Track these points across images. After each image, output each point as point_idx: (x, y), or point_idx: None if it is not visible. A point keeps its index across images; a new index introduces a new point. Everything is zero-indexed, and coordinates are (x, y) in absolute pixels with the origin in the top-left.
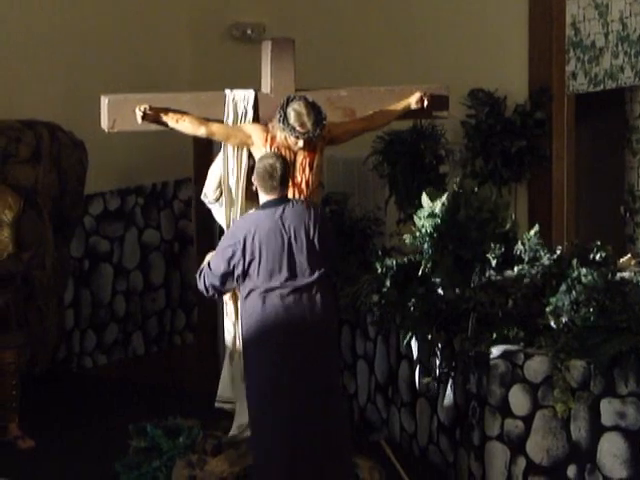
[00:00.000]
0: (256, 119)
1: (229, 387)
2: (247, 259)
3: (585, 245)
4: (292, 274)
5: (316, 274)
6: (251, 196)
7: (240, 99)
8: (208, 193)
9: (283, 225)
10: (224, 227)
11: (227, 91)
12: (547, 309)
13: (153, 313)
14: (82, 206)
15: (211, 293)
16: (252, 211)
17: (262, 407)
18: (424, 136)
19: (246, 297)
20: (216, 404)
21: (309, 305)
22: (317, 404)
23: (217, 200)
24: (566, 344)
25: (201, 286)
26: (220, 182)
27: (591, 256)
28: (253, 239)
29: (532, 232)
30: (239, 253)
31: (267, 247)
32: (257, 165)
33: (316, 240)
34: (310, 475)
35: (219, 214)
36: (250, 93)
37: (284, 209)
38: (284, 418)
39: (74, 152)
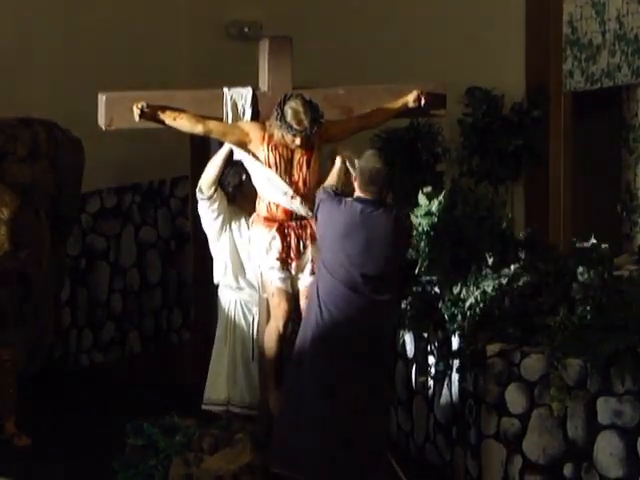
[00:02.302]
0: (254, 117)
1: (222, 388)
2: (325, 245)
3: (582, 243)
4: (363, 274)
5: (384, 281)
6: (240, 203)
7: (238, 97)
8: (204, 188)
9: (368, 225)
10: (205, 227)
11: (225, 89)
12: (544, 307)
13: (150, 311)
14: (79, 204)
15: None
16: (349, 200)
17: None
18: (421, 134)
19: (319, 281)
20: (203, 406)
21: (370, 308)
22: (361, 405)
23: (210, 198)
24: (563, 342)
25: None
26: (217, 178)
27: (588, 254)
28: (335, 227)
29: (530, 229)
30: (325, 226)
31: (346, 240)
32: (362, 164)
33: (392, 248)
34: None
35: (205, 211)
36: (248, 91)
37: (374, 210)
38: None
39: (71, 150)
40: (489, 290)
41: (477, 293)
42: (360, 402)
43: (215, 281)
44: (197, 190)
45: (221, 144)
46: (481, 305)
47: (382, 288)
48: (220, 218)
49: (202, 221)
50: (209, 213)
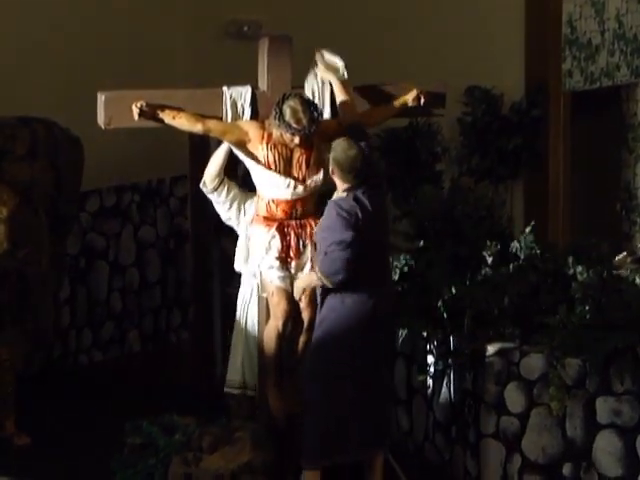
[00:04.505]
0: (254, 116)
1: (239, 371)
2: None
3: (581, 242)
4: (372, 257)
5: (387, 259)
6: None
7: (237, 96)
8: (207, 181)
9: (364, 209)
10: (224, 219)
11: (224, 88)
12: (543, 307)
13: (149, 310)
14: (78, 203)
15: (347, 271)
16: (343, 195)
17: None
18: (420, 133)
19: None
20: (225, 389)
21: (383, 290)
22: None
23: (215, 190)
24: (562, 342)
25: (337, 278)
26: (220, 171)
27: (587, 253)
28: (359, 215)
29: (528, 229)
30: (355, 227)
31: (364, 224)
32: (335, 156)
33: (386, 225)
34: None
35: (217, 205)
36: (247, 90)
37: (365, 193)
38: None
39: (70, 149)
40: (488, 289)
41: (476, 292)
42: (371, 374)
43: (236, 268)
44: (201, 185)
45: (220, 143)
46: (480, 304)
47: (387, 266)
48: (234, 206)
49: (221, 217)
50: (221, 205)
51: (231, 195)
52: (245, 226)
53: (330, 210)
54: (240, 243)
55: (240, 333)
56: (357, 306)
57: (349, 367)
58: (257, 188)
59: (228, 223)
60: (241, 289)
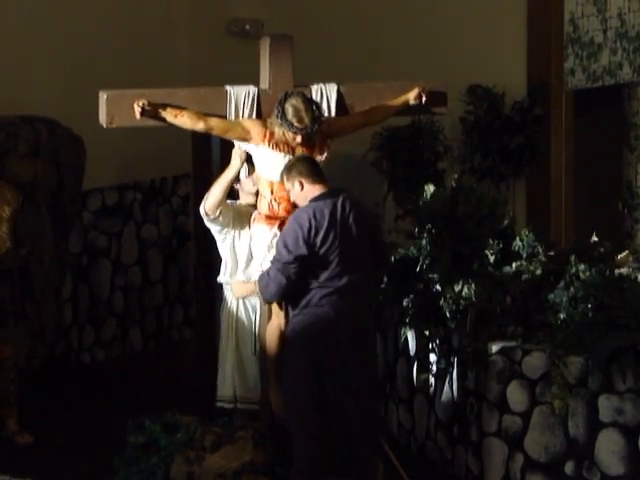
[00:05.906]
0: (257, 115)
1: (229, 386)
2: (315, 249)
3: (583, 241)
4: (346, 265)
5: (364, 267)
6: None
7: (240, 95)
8: (209, 212)
9: (341, 216)
10: (223, 255)
11: (228, 87)
12: (545, 305)
13: (151, 309)
14: (80, 201)
15: (281, 291)
16: (309, 203)
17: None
18: (422, 132)
19: (305, 290)
20: (218, 404)
21: (356, 300)
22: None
23: (217, 219)
24: (564, 340)
25: (273, 289)
26: (222, 199)
27: (589, 252)
28: (317, 229)
29: (530, 228)
30: (309, 243)
31: (325, 238)
32: (298, 168)
33: (366, 235)
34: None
35: (213, 228)
36: (250, 89)
37: (341, 201)
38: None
39: (72, 147)
40: (490, 288)
41: (478, 290)
42: (357, 385)
43: (219, 279)
44: (202, 212)
45: (222, 139)
46: (482, 303)
47: (359, 275)
48: (229, 227)
49: (211, 230)
50: (217, 227)
51: (227, 219)
52: (230, 240)
53: (290, 220)
54: (224, 256)
55: (230, 345)
56: (318, 323)
57: (317, 386)
58: (260, 186)
59: (215, 235)
60: (227, 299)
